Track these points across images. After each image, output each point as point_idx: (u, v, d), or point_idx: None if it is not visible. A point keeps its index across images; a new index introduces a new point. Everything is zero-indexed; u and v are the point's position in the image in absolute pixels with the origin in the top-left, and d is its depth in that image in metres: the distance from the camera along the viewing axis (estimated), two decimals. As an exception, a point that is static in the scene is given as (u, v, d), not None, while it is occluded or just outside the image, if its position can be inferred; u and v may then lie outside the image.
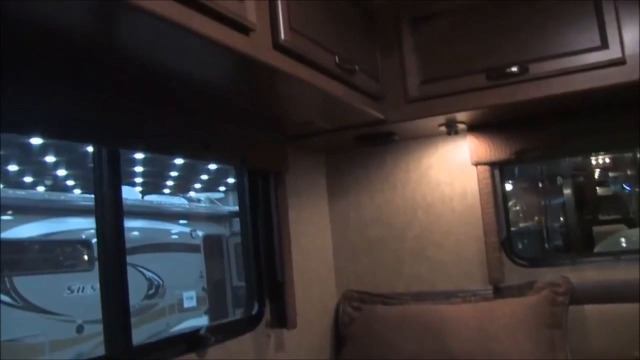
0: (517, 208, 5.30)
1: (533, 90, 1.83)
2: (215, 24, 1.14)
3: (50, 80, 1.22)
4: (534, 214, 5.45)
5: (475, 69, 1.91)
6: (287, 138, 2.06)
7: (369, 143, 2.28)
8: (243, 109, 1.66)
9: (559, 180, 5.39)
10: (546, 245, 5.17)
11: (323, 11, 1.60)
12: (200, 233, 8.41)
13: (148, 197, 8.94)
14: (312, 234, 2.36)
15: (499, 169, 2.28)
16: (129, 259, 1.73)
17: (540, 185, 5.40)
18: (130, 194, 8.25)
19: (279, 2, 1.35)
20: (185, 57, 1.23)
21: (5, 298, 5.93)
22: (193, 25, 1.07)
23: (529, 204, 5.42)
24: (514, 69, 1.83)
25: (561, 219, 5.46)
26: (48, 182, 8.80)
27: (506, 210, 2.32)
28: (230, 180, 10.17)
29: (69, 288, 6.57)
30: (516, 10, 1.88)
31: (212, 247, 8.48)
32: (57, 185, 8.91)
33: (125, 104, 1.39)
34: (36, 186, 8.77)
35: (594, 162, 5.57)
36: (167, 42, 1.14)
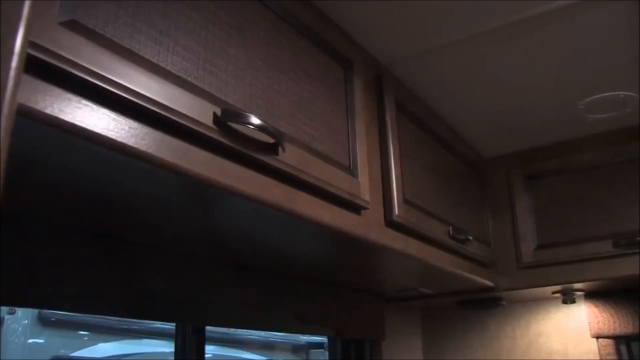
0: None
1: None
2: (324, 204, 1.01)
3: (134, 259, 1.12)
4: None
5: (599, 234, 1.71)
6: (385, 300, 1.89)
7: (472, 307, 2.06)
8: (341, 278, 1.52)
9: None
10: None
11: (435, 176, 1.47)
12: (276, 363, 8.08)
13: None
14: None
15: (626, 345, 1.99)
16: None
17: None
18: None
19: (394, 174, 1.23)
20: (283, 235, 1.09)
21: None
22: (298, 209, 0.94)
23: None
24: (647, 237, 1.62)
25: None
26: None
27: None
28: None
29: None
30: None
31: (288, 378, 8.09)
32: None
33: (208, 277, 1.26)
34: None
35: None
36: (264, 222, 1.00)
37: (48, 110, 0.61)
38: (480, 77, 1.45)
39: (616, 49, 1.35)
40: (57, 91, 0.62)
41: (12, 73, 0.30)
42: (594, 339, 1.98)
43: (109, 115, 0.67)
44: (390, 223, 1.20)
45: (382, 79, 1.31)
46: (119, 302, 1.07)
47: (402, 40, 1.28)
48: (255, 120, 0.81)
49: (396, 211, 1.20)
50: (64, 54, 0.62)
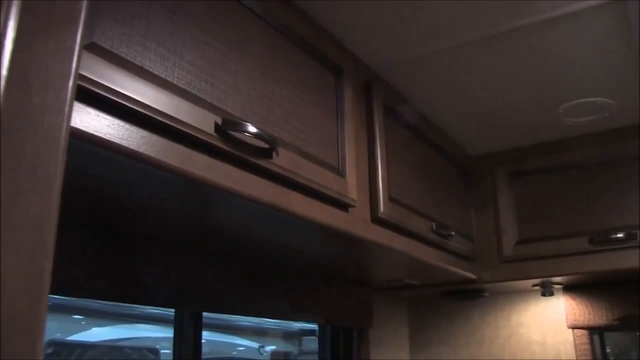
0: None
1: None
2: (315, 203, 1.10)
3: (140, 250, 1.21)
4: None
5: (576, 231, 1.80)
6: (373, 290, 1.99)
7: (456, 298, 2.16)
8: (331, 269, 1.61)
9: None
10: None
11: (420, 174, 1.56)
12: (268, 349, 8.16)
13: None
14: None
15: (599, 336, 2.09)
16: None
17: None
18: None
19: (380, 173, 1.32)
20: (278, 231, 1.19)
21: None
22: (291, 207, 1.03)
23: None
24: (620, 235, 1.72)
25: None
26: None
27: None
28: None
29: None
30: (621, 172, 1.79)
31: (279, 364, 8.18)
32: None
33: (207, 266, 1.35)
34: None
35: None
36: (261, 219, 1.10)
37: (72, 123, 0.69)
38: (468, 82, 1.54)
39: (595, 57, 1.43)
40: (79, 105, 0.71)
41: (66, 109, 0.39)
42: (570, 330, 2.09)
43: (123, 126, 0.76)
44: (376, 220, 1.29)
45: (371, 85, 1.40)
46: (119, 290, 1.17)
47: (391, 47, 1.36)
48: (251, 128, 0.90)
49: (382, 209, 1.29)
50: (85, 73, 0.70)
